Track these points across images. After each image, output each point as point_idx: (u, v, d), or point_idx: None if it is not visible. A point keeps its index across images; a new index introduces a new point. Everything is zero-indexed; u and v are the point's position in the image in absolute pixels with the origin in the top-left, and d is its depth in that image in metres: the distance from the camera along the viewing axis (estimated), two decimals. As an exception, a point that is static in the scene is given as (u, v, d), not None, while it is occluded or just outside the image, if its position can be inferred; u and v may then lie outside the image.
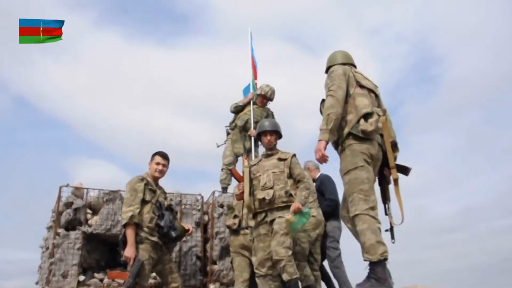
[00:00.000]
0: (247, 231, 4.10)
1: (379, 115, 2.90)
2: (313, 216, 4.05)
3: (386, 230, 2.88)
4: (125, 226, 3.53)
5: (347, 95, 2.96)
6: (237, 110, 5.38)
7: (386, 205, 3.00)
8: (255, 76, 6.03)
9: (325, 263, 4.57)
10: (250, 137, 5.26)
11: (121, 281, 4.39)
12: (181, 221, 5.24)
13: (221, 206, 5.79)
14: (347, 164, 2.84)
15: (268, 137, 3.70)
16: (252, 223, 3.71)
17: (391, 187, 3.00)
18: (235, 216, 4.37)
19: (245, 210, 3.90)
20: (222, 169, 5.35)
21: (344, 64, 3.15)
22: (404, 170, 2.94)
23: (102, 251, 5.45)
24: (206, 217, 5.84)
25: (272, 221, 3.44)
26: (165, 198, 4.00)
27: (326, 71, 3.28)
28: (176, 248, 5.26)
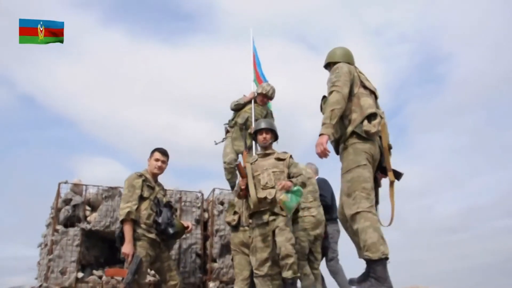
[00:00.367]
0: (247, 228, 4.06)
1: (381, 117, 2.92)
2: (312, 216, 4.02)
3: None
4: (122, 222, 3.50)
5: (351, 93, 2.97)
6: (238, 107, 5.35)
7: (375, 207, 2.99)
8: (257, 77, 5.96)
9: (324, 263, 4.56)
10: (250, 134, 5.24)
11: (120, 278, 4.35)
12: (181, 219, 5.20)
13: (222, 203, 5.74)
14: (350, 162, 2.83)
15: (264, 135, 3.72)
16: (249, 221, 3.67)
17: (383, 189, 3.03)
18: (235, 213, 4.34)
19: (245, 206, 3.83)
20: (225, 168, 5.29)
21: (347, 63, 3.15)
22: (397, 175, 2.96)
23: (101, 248, 5.41)
24: (206, 215, 5.79)
25: (273, 220, 3.41)
26: (164, 195, 3.96)
27: (325, 67, 3.29)
28: (176, 246, 5.21)
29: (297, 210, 3.75)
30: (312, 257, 4.09)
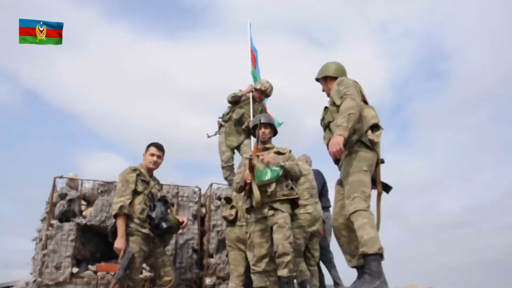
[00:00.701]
0: (244, 223, 4.00)
1: (382, 129, 3.04)
2: (308, 213, 3.96)
3: None
4: (115, 216, 3.45)
5: None
6: (235, 100, 5.30)
7: None
8: (254, 68, 5.94)
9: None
10: (244, 130, 5.22)
11: (113, 273, 4.31)
12: (178, 214, 5.15)
13: (219, 198, 5.69)
14: (352, 167, 2.93)
15: (263, 130, 3.71)
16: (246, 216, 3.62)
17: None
18: (232, 207, 4.29)
19: (243, 200, 3.75)
20: (222, 167, 5.23)
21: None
22: (386, 188, 3.08)
23: (97, 243, 5.37)
24: (203, 210, 5.74)
25: (272, 216, 3.37)
26: (159, 190, 3.90)
27: (317, 80, 3.42)
28: (172, 241, 5.16)
29: (295, 206, 3.66)
30: (309, 254, 4.05)
